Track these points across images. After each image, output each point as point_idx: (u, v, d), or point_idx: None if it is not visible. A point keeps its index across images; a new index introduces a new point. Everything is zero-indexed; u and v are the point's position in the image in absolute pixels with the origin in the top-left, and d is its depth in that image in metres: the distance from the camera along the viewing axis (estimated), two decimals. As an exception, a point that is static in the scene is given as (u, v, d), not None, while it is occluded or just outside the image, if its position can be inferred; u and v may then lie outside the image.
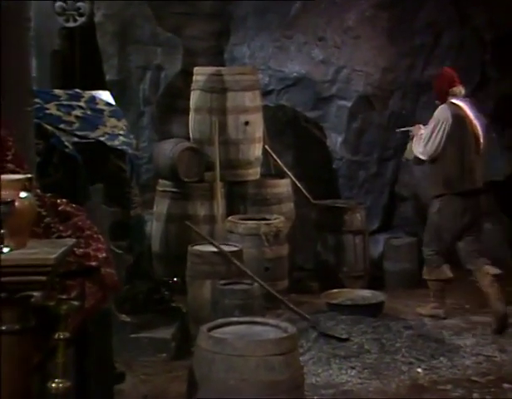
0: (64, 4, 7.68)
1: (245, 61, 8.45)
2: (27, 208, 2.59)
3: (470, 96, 6.94)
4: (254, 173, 7.42)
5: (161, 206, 7.27)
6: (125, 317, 5.71)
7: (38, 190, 3.30)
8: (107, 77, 8.10)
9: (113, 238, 5.40)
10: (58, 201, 3.40)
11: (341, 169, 8.49)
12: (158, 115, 8.38)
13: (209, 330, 4.04)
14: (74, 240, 2.94)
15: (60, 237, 3.19)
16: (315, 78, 8.35)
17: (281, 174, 7.68)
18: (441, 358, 5.56)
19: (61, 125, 5.26)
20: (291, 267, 7.11)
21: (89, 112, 5.58)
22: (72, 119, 5.38)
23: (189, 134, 7.45)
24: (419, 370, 5.38)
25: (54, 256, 2.54)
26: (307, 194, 7.69)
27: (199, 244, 6.25)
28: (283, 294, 6.36)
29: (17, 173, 3.01)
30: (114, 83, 7.97)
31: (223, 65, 8.24)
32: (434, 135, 6.39)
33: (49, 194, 3.39)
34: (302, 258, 7.80)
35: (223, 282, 5.66)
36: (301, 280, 7.63)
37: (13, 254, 2.53)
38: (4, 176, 2.63)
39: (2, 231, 2.54)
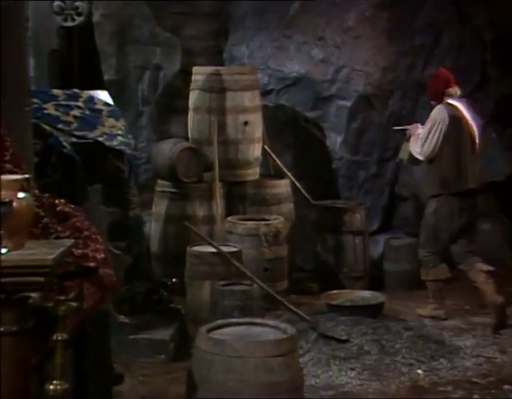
0: (62, 3, 7.67)
1: (244, 61, 8.44)
2: (24, 208, 2.59)
3: (471, 96, 6.94)
4: (253, 173, 7.40)
5: (160, 206, 7.25)
6: (123, 318, 5.69)
7: (36, 191, 3.29)
8: (105, 77, 8.09)
9: (111, 238, 5.39)
10: (56, 201, 3.39)
11: (340, 170, 8.48)
12: (157, 115, 8.36)
13: (208, 331, 4.03)
14: (72, 241, 2.94)
15: (58, 237, 3.17)
16: (315, 78, 8.33)
17: (280, 175, 7.66)
18: (441, 359, 5.54)
19: (60, 125, 5.24)
20: (290, 267, 7.09)
21: (87, 112, 5.57)
22: (70, 119, 5.37)
23: (187, 134, 7.43)
24: (419, 371, 5.37)
25: (52, 257, 2.54)
26: (306, 194, 7.67)
27: (198, 245, 6.24)
28: (283, 295, 6.34)
29: (15, 173, 3.00)
30: (112, 83, 7.96)
31: (222, 65, 8.23)
32: (431, 135, 6.39)
33: (47, 195, 3.38)
34: (302, 259, 7.78)
35: (222, 283, 5.64)
36: (300, 281, 7.61)
37: (11, 255, 2.52)
38: (2, 176, 2.62)
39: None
